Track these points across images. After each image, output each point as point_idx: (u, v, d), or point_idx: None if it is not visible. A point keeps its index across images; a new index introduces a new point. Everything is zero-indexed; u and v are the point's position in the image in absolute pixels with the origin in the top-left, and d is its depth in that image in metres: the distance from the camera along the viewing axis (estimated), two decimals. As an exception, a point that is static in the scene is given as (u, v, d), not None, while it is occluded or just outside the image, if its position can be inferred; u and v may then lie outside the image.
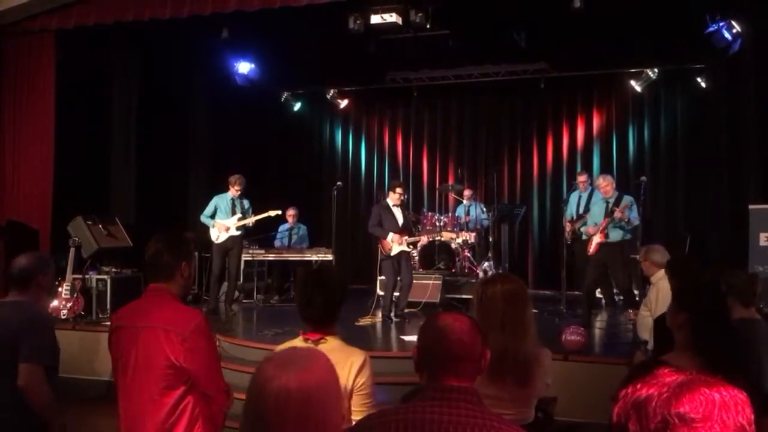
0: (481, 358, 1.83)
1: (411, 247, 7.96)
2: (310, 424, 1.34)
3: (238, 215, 8.29)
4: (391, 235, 7.62)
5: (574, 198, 8.56)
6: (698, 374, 1.29)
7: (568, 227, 8.38)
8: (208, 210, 8.34)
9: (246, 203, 8.47)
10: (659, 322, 3.60)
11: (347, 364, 2.44)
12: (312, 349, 2.44)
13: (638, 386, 1.34)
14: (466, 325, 1.82)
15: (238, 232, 8.30)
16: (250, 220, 8.38)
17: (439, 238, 8.87)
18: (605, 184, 7.47)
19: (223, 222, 8.23)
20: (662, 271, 5.23)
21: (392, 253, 7.65)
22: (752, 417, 1.22)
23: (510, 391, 2.58)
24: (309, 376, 1.37)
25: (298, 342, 2.52)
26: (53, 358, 3.12)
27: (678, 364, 2.35)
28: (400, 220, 7.79)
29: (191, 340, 2.48)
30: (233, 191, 8.32)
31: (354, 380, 2.43)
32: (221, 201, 8.35)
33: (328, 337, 2.50)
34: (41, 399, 2.98)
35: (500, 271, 9.29)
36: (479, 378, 2.41)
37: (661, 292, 5.10)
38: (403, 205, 8.03)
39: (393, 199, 7.83)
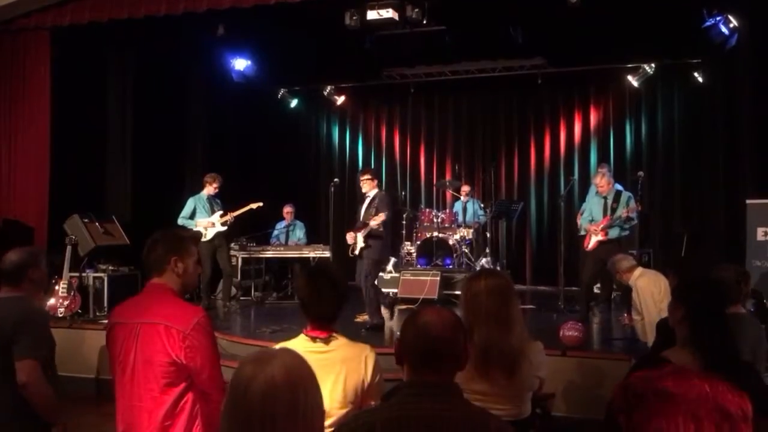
0: (463, 354, 1.84)
1: (366, 242, 6.84)
2: (299, 413, 1.35)
3: (219, 212, 8.31)
4: (348, 235, 7.00)
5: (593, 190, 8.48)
6: (702, 371, 1.29)
7: (579, 218, 8.32)
8: (186, 212, 8.27)
9: (218, 201, 8.46)
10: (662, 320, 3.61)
11: (362, 358, 2.48)
12: (282, 345, 2.45)
13: (637, 371, 1.34)
14: (448, 321, 1.83)
15: (224, 228, 8.30)
16: (231, 216, 8.33)
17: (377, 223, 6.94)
18: (602, 183, 7.44)
19: (207, 219, 8.25)
20: (636, 272, 5.38)
21: (356, 253, 6.90)
22: (749, 412, 1.20)
23: (499, 386, 2.59)
24: (290, 366, 1.38)
25: (301, 340, 2.51)
26: (49, 352, 3.09)
27: (678, 360, 2.36)
28: (362, 213, 7.01)
29: (192, 336, 2.46)
30: (211, 189, 8.32)
31: (372, 374, 2.47)
32: (199, 201, 8.35)
33: (335, 334, 2.51)
34: (42, 395, 2.93)
35: (497, 267, 9.30)
36: (468, 374, 2.41)
37: (640, 290, 5.22)
38: (382, 191, 7.19)
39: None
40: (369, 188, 6.99)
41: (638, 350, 5.39)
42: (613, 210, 7.27)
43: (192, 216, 8.26)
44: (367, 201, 6.97)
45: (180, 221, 8.22)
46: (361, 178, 7.08)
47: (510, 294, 2.73)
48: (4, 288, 3.15)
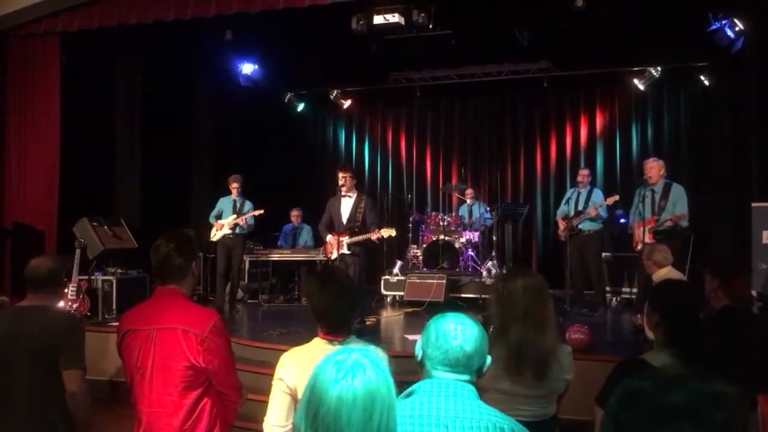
0: (483, 362, 1.86)
1: (351, 249, 6.70)
2: (373, 427, 1.34)
3: (235, 215, 8.41)
4: (329, 237, 6.87)
5: (572, 196, 8.49)
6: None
7: (561, 225, 8.33)
8: (214, 211, 8.54)
9: (247, 204, 8.55)
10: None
11: None
12: (298, 349, 2.47)
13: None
14: (471, 330, 1.84)
15: (230, 231, 8.37)
16: (240, 219, 8.41)
17: (378, 236, 6.74)
18: (656, 167, 6.65)
19: (222, 221, 8.40)
20: (665, 270, 5.25)
21: (332, 257, 6.73)
22: None
23: (528, 386, 2.59)
24: (373, 378, 1.36)
25: (318, 343, 2.52)
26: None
27: (658, 362, 2.37)
28: (345, 216, 6.80)
29: (209, 339, 2.50)
30: (232, 191, 8.49)
31: None
32: (224, 203, 8.54)
33: (349, 336, 2.54)
34: (87, 403, 2.97)
35: (503, 271, 9.29)
36: (496, 373, 2.41)
37: None
38: (365, 195, 7.02)
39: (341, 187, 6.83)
40: (349, 186, 6.82)
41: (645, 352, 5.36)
42: (661, 209, 6.59)
43: (220, 216, 8.48)
44: (351, 203, 6.79)
45: (210, 218, 8.53)
46: (343, 174, 6.82)
47: (545, 294, 2.72)
48: (30, 295, 3.10)
